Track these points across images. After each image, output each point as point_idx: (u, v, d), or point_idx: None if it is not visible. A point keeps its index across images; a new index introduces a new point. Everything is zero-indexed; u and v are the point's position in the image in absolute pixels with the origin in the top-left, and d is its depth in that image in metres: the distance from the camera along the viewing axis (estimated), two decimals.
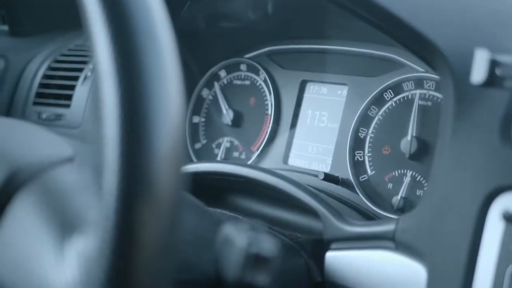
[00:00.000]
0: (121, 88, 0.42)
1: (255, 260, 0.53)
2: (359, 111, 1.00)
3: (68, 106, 1.27)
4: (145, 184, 0.42)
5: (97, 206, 0.44)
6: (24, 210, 0.52)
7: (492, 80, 0.64)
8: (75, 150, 0.60)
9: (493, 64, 0.64)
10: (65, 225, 0.49)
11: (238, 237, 0.54)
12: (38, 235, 0.50)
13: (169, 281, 0.45)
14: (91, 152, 0.60)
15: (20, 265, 0.50)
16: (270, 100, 1.13)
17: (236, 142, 1.16)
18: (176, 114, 0.44)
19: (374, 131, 0.99)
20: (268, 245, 0.54)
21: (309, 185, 0.91)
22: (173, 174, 0.44)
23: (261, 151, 1.12)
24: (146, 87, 0.43)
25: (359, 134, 1.00)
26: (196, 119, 1.21)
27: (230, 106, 1.18)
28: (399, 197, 0.93)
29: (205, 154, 1.19)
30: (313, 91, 1.10)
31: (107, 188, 0.42)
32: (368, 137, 1.00)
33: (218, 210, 0.89)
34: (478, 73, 0.64)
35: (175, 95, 0.44)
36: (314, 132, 1.07)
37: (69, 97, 1.28)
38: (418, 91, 0.96)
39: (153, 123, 0.42)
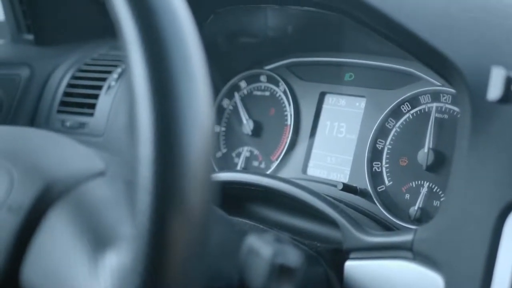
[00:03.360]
0: (155, 112, 0.44)
1: (280, 271, 0.55)
2: (377, 123, 1.02)
3: (91, 114, 1.30)
4: (178, 203, 0.44)
5: (130, 222, 0.46)
6: (58, 224, 0.54)
7: (508, 96, 0.66)
8: (106, 164, 0.62)
9: (509, 81, 0.65)
10: (98, 239, 0.51)
11: (264, 247, 0.56)
12: (72, 249, 0.51)
13: None
14: (122, 166, 0.63)
15: (54, 278, 0.52)
16: (289, 111, 1.15)
17: (255, 152, 1.19)
18: (207, 134, 0.46)
19: (391, 142, 1.01)
20: (293, 256, 0.55)
21: (327, 195, 0.93)
22: (203, 192, 0.46)
23: (281, 160, 1.14)
24: (179, 110, 0.44)
25: (377, 145, 1.02)
26: (216, 129, 1.24)
27: (250, 116, 1.20)
28: (416, 207, 0.95)
29: (225, 163, 1.21)
30: (331, 103, 1.12)
31: (141, 206, 0.44)
32: (386, 149, 1.01)
33: (240, 219, 0.91)
34: (495, 90, 0.66)
35: (206, 116, 0.46)
36: (333, 143, 1.09)
37: (92, 106, 1.30)
38: (434, 104, 0.98)
39: (186, 144, 0.44)
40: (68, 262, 0.51)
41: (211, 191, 0.46)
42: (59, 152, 0.64)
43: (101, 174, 0.60)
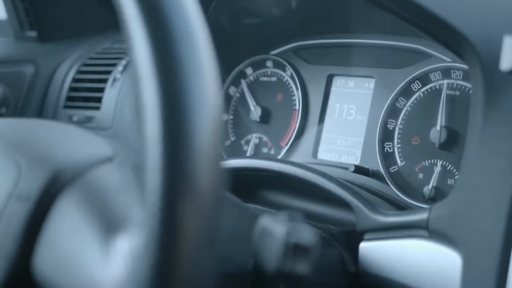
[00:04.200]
0: (161, 88, 0.43)
1: (294, 249, 0.54)
2: (387, 103, 1.01)
3: (98, 108, 1.29)
4: (188, 181, 0.43)
5: (140, 204, 0.45)
6: (68, 210, 0.53)
7: None
8: (114, 150, 0.61)
9: None
10: (109, 223, 0.50)
11: (277, 227, 0.55)
12: (83, 234, 0.51)
13: (212, 274, 0.47)
14: (129, 151, 0.62)
15: (67, 265, 0.51)
16: (297, 95, 1.14)
17: (264, 138, 1.17)
18: (215, 111, 0.45)
19: (402, 122, 1.00)
20: (306, 234, 0.55)
21: (340, 178, 0.92)
22: (213, 170, 0.45)
23: (290, 146, 1.12)
24: (185, 86, 0.44)
25: (388, 125, 1.01)
26: (224, 117, 1.23)
27: (257, 102, 1.19)
28: (430, 186, 0.93)
29: (235, 151, 1.20)
30: (340, 85, 1.10)
31: (151, 186, 0.43)
32: (397, 129, 1.00)
33: (252, 205, 0.90)
34: (507, 60, 0.65)
35: (213, 92, 0.45)
36: (343, 126, 1.08)
37: (99, 100, 1.30)
38: (445, 81, 0.96)
39: (194, 120, 0.43)
40: (80, 248, 0.50)
41: (222, 169, 0.45)
42: (66, 140, 0.63)
43: (108, 159, 0.59)
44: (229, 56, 1.22)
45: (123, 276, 0.45)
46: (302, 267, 0.54)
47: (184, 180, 0.43)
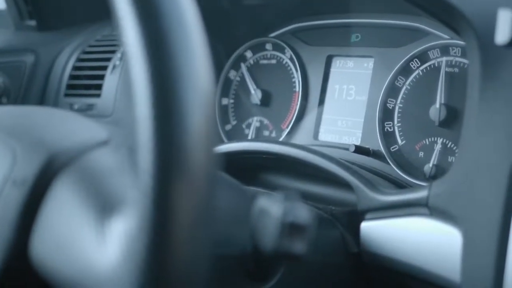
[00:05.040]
0: (151, 68, 0.43)
1: (290, 229, 0.54)
2: (386, 82, 1.00)
3: (98, 95, 1.29)
4: (179, 160, 0.43)
5: (134, 186, 0.45)
6: (64, 194, 0.53)
7: None
8: (109, 133, 0.61)
9: None
10: (104, 205, 0.50)
11: (273, 207, 0.55)
12: (78, 217, 0.51)
13: (208, 255, 0.47)
14: (125, 135, 0.62)
15: (62, 247, 0.51)
16: (297, 77, 1.14)
17: (265, 121, 1.17)
18: (206, 90, 0.45)
19: (402, 101, 0.99)
20: (302, 213, 0.54)
21: (340, 159, 0.91)
22: (205, 149, 0.44)
23: (291, 128, 1.12)
24: (176, 65, 0.43)
25: (388, 105, 1.00)
26: (225, 101, 1.22)
27: (258, 86, 1.18)
28: (431, 164, 0.93)
29: (236, 135, 1.20)
30: (339, 66, 1.10)
31: (143, 166, 0.43)
32: (397, 108, 1.00)
33: (252, 188, 0.90)
34: (503, 33, 0.64)
35: (204, 72, 0.45)
36: (343, 106, 1.08)
37: (99, 87, 1.30)
38: (444, 58, 0.95)
39: (185, 100, 0.43)
40: (75, 231, 0.50)
41: (213, 147, 0.45)
42: (61, 124, 0.63)
43: (104, 143, 0.59)
44: (228, 40, 1.21)
45: (118, 257, 0.45)
46: (299, 246, 0.54)
47: (175, 159, 0.43)
